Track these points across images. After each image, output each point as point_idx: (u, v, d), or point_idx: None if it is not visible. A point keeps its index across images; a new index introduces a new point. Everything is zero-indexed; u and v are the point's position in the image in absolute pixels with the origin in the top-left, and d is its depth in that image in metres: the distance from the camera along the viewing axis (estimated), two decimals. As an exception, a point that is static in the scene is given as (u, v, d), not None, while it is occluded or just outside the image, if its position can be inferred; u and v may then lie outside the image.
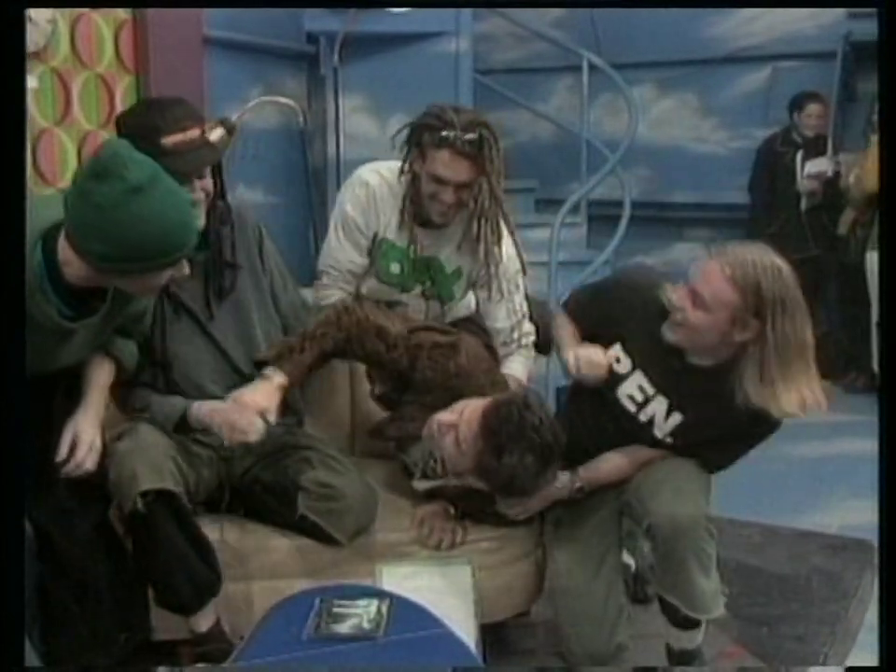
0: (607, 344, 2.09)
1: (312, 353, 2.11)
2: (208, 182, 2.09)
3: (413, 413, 2.16)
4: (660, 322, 1.99)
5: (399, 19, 2.89)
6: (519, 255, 2.47)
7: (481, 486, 2.02)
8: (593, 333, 2.13)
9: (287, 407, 2.19)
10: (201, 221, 2.05)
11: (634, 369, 2.07)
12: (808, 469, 3.77)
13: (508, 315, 2.47)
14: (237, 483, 2.22)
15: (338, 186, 2.79)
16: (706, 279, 1.90)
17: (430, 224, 2.38)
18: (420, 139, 2.25)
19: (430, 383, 2.13)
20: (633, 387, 2.07)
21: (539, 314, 2.53)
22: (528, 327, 2.50)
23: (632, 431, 2.11)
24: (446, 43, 4.72)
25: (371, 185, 2.40)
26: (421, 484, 2.23)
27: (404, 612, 1.84)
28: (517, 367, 2.46)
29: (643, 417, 2.08)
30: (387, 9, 2.71)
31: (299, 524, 2.12)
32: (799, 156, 5.07)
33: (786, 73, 5.59)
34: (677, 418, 2.06)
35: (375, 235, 2.42)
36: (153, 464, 1.98)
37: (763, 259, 1.90)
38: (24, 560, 1.62)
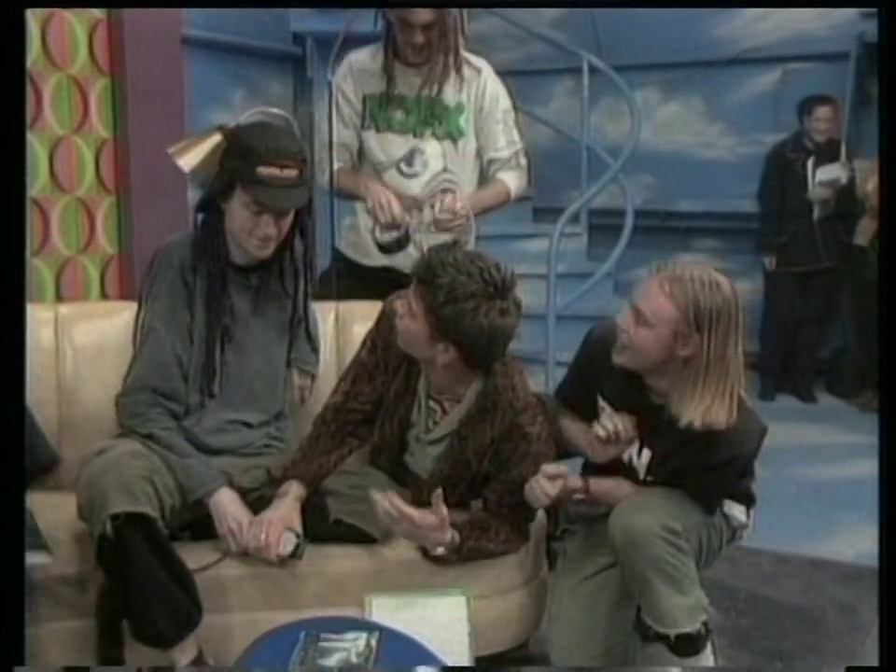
0: (591, 397, 2.21)
1: (318, 455, 2.21)
2: (287, 221, 2.20)
3: None
4: (625, 369, 2.10)
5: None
6: (509, 94, 2.84)
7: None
8: (581, 395, 2.25)
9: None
10: (267, 252, 2.20)
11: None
12: (822, 493, 3.77)
13: (508, 144, 2.81)
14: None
15: (330, 199, 2.83)
16: (646, 297, 2.01)
17: (410, 62, 2.69)
18: None
19: None
20: None
21: (553, 408, 2.55)
22: (524, 158, 2.85)
23: (625, 475, 2.18)
24: (439, 44, 4.74)
25: (351, 56, 2.77)
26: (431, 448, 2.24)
27: (395, 646, 1.84)
28: (511, 177, 2.83)
29: (625, 458, 2.18)
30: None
31: (332, 530, 2.15)
32: (810, 162, 5.09)
33: (797, 75, 5.63)
34: (647, 455, 2.15)
35: (364, 97, 2.74)
36: (126, 485, 1.97)
37: (703, 275, 1.99)
38: (24, 560, 1.64)
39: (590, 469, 2.29)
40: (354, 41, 2.85)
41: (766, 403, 5.19)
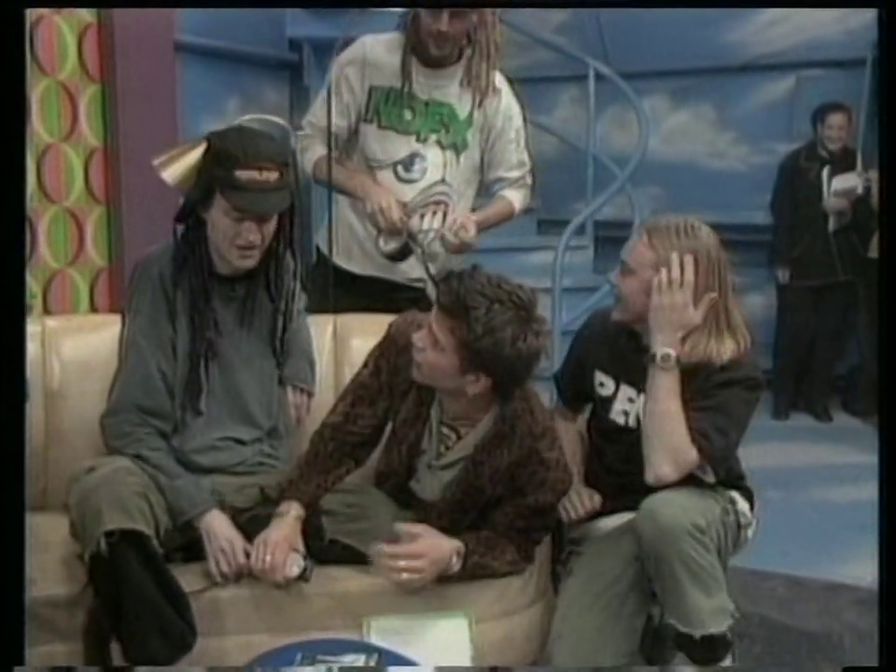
0: (589, 374, 2.35)
1: (317, 474, 2.22)
2: (270, 227, 2.21)
3: None
4: (622, 333, 2.27)
5: (392, 28, 2.96)
6: (522, 110, 2.85)
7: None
8: (577, 381, 2.40)
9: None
10: (251, 262, 2.22)
11: (618, 385, 2.30)
12: (839, 515, 3.78)
13: (519, 164, 2.86)
14: (235, 524, 2.21)
15: (329, 204, 2.86)
16: (629, 248, 2.23)
17: (431, 62, 2.70)
18: None
19: None
20: (622, 402, 2.30)
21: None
22: (530, 177, 2.90)
23: (634, 442, 2.21)
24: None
25: (367, 42, 2.75)
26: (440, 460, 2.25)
27: (394, 668, 1.85)
28: (516, 196, 2.88)
29: (632, 423, 2.27)
30: (379, 9, 2.80)
31: (328, 550, 2.16)
32: (825, 172, 5.11)
33: (811, 82, 5.65)
34: None
35: (371, 88, 2.73)
36: (120, 502, 1.99)
37: (680, 221, 2.17)
38: (24, 560, 1.65)
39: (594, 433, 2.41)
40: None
41: (780, 422, 5.20)
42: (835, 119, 5.12)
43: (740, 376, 2.16)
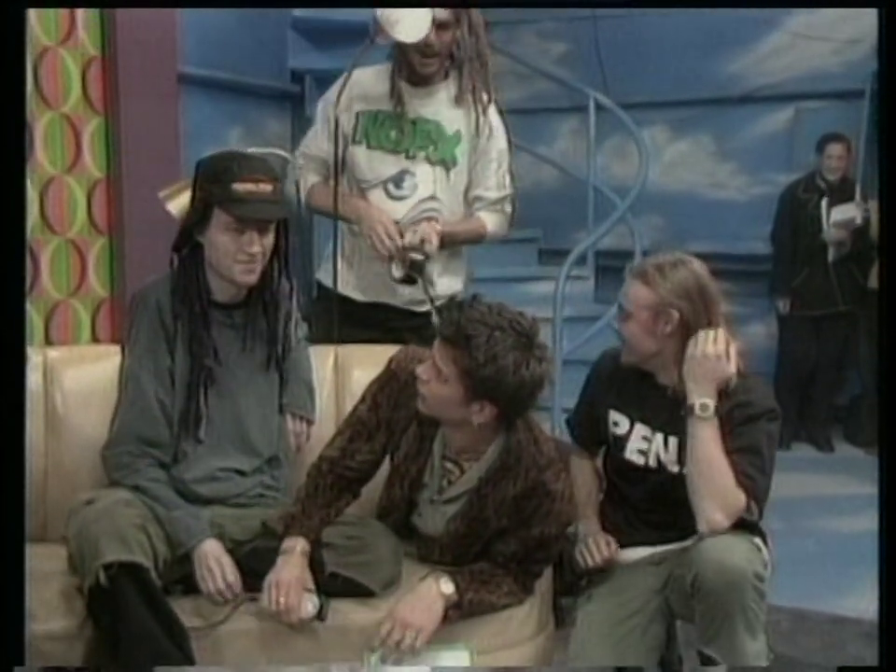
0: (603, 415, 2.36)
1: (318, 508, 2.21)
2: (269, 240, 2.23)
3: None
4: (634, 373, 2.29)
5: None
6: (506, 131, 2.86)
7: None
8: (591, 422, 2.42)
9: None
10: (253, 277, 2.22)
11: (632, 424, 2.31)
12: (843, 546, 3.76)
13: (498, 187, 2.85)
14: (232, 557, 2.19)
15: (334, 236, 2.89)
16: (623, 292, 2.28)
17: (418, 80, 2.75)
18: None
19: None
20: (637, 440, 2.31)
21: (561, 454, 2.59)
22: (509, 206, 2.89)
23: (657, 483, 2.27)
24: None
25: (353, 73, 2.79)
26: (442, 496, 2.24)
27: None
28: (491, 219, 2.86)
29: (652, 462, 2.29)
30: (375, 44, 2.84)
31: (329, 583, 2.14)
32: (824, 202, 5.14)
33: (810, 114, 5.70)
34: (674, 443, 2.25)
35: (358, 114, 2.78)
36: (118, 534, 1.98)
37: (667, 257, 2.24)
38: (24, 559, 1.66)
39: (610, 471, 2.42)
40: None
41: (782, 452, 5.14)
42: (834, 149, 5.16)
43: (760, 410, 2.19)
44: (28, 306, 3.20)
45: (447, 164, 2.79)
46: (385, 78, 2.79)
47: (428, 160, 2.78)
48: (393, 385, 2.20)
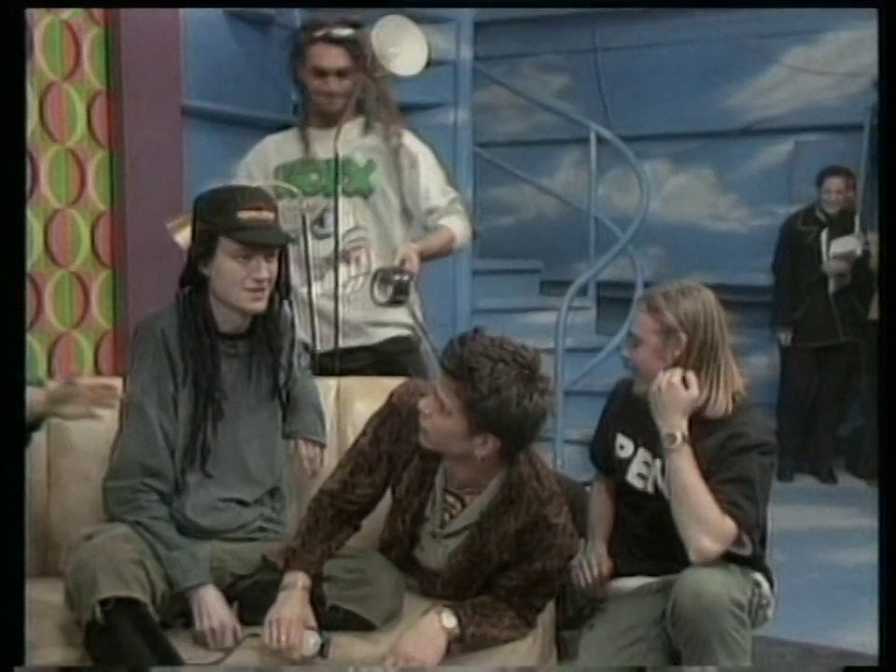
0: (612, 439, 2.39)
1: (319, 542, 2.20)
2: (273, 267, 2.27)
3: None
4: (642, 399, 2.29)
5: (394, 89, 3.04)
6: (433, 151, 2.97)
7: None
8: (606, 448, 2.42)
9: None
10: (262, 304, 2.25)
11: (636, 448, 2.33)
12: (847, 579, 3.74)
13: (442, 192, 2.93)
14: (232, 591, 2.20)
15: (335, 266, 2.91)
16: (634, 323, 2.32)
17: (326, 122, 2.87)
18: (297, 42, 2.84)
19: None
20: (639, 464, 2.33)
21: (573, 494, 2.58)
22: (460, 205, 2.97)
23: (655, 510, 2.26)
24: (444, 114, 4.84)
25: (266, 139, 3.02)
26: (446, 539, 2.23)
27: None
28: (453, 222, 2.91)
29: (650, 488, 2.30)
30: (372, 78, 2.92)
31: (329, 616, 2.12)
32: (824, 235, 5.16)
33: (810, 147, 5.73)
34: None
35: (276, 168, 2.92)
36: (116, 569, 1.98)
37: (674, 285, 2.27)
38: (24, 560, 1.68)
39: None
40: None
41: (784, 484, 5.16)
42: (833, 182, 5.19)
43: (754, 442, 2.19)
44: (30, 338, 3.20)
45: (364, 193, 2.90)
46: (294, 134, 2.97)
47: (346, 192, 2.87)
48: (394, 419, 2.20)
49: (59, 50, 3.24)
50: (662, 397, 2.19)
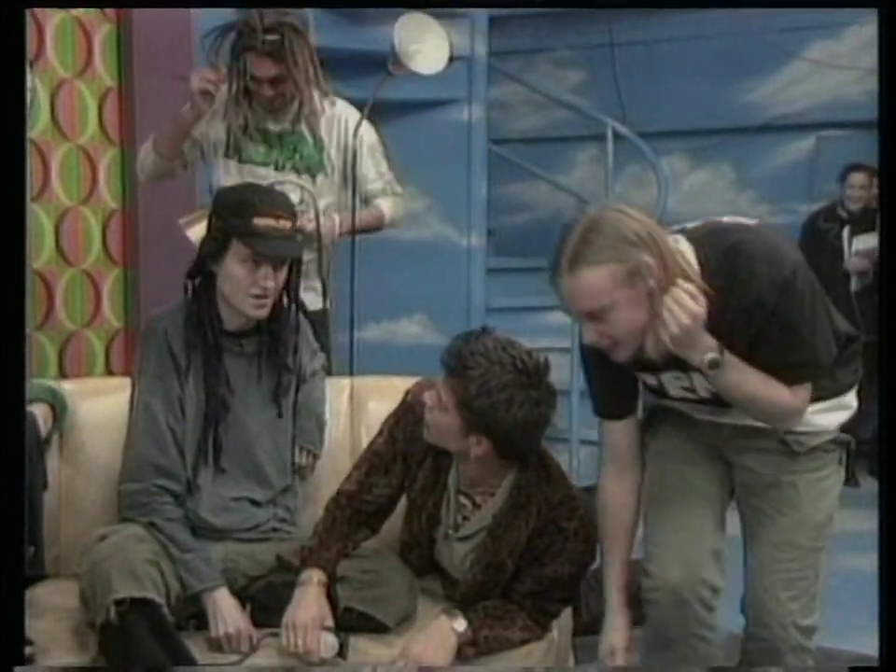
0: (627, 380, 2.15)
1: (336, 541, 2.20)
2: (282, 276, 2.27)
3: None
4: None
5: (407, 85, 3.04)
6: (377, 135, 3.04)
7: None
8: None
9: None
10: (264, 312, 2.26)
11: (658, 375, 2.08)
12: (868, 583, 3.71)
13: (378, 175, 3.03)
14: (245, 593, 2.21)
15: (352, 263, 2.98)
16: (572, 297, 1.97)
17: (271, 104, 2.88)
18: (235, 45, 2.81)
19: None
20: (673, 385, 2.08)
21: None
22: (398, 187, 3.09)
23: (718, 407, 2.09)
24: (458, 111, 4.85)
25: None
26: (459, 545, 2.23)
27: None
28: (385, 203, 3.05)
29: (704, 394, 2.06)
30: (393, 75, 2.90)
31: (343, 618, 2.12)
32: (845, 232, 5.14)
33: (832, 143, 5.71)
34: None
35: (229, 126, 2.91)
36: (130, 569, 1.99)
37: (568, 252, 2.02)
38: (24, 559, 1.70)
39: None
40: (381, 108, 2.96)
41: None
42: (856, 178, 5.17)
43: (776, 291, 2.01)
44: (41, 337, 3.22)
45: (313, 171, 2.95)
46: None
47: (296, 168, 2.93)
48: (409, 418, 2.21)
49: (70, 47, 3.27)
50: (683, 337, 1.88)
